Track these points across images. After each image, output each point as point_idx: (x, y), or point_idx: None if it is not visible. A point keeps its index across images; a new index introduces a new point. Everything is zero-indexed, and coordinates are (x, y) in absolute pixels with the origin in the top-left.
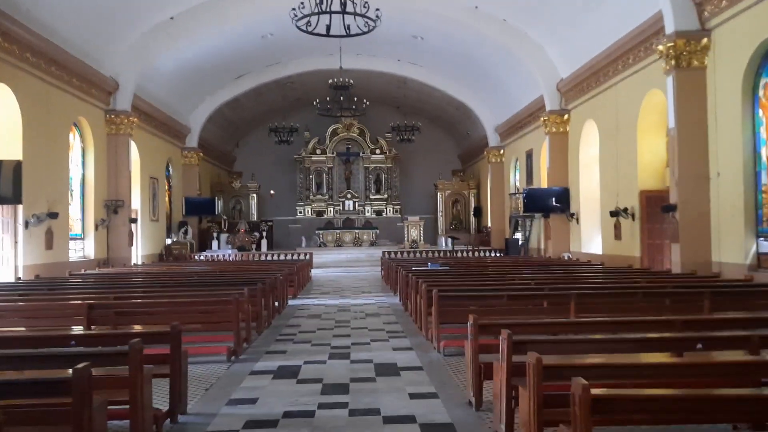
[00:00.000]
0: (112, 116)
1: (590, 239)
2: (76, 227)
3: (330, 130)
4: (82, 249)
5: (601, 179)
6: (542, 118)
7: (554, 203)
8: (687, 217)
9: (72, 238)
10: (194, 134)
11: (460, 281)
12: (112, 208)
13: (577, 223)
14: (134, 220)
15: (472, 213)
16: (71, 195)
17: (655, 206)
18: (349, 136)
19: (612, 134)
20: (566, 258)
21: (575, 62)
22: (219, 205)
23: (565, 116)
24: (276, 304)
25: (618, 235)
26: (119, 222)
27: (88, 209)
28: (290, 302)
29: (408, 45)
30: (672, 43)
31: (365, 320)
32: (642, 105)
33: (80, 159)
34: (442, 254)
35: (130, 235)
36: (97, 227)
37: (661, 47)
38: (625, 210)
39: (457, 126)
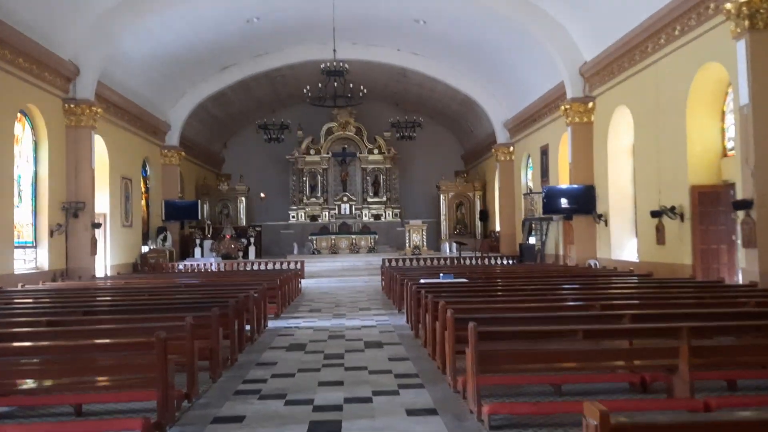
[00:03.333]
0: (72, 106)
1: (621, 244)
2: (26, 234)
3: (324, 128)
4: (34, 259)
5: (637, 174)
6: (563, 107)
7: (578, 203)
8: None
9: (20, 246)
10: (175, 131)
11: (492, 301)
12: (72, 212)
13: (606, 225)
14: (98, 225)
15: (477, 216)
16: (19, 196)
17: (710, 204)
18: (345, 135)
19: (651, 121)
20: (593, 265)
21: (602, 42)
22: (205, 209)
23: (590, 104)
24: (248, 328)
25: (661, 239)
26: (80, 227)
27: (41, 213)
28: (271, 324)
29: (409, 31)
30: None
31: (364, 354)
32: (693, 83)
33: (32, 154)
34: (448, 262)
35: (93, 242)
36: (52, 233)
37: (729, 5)
38: (672, 209)
39: (461, 123)
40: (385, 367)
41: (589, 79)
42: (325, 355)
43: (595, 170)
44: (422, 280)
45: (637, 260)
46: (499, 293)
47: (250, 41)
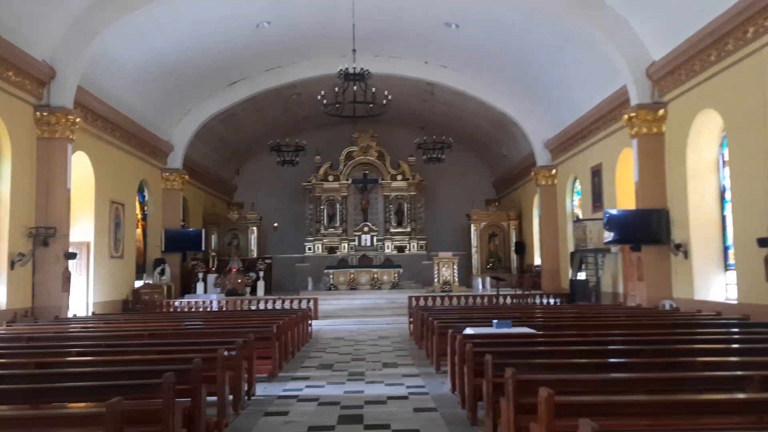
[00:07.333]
0: (45, 114)
1: (707, 281)
2: None
3: (344, 153)
4: None
5: (733, 193)
6: (626, 116)
7: (647, 231)
8: None
9: None
10: (178, 153)
11: (624, 384)
12: (41, 239)
13: (685, 258)
14: (72, 256)
15: (513, 249)
16: None
17: None
18: (367, 160)
19: (754, 125)
20: (668, 307)
21: (677, 35)
22: (212, 239)
23: (661, 111)
24: (230, 397)
25: None
26: (49, 258)
27: (0, 239)
28: (262, 390)
29: (438, 39)
30: None
31: None
32: None
33: None
34: (485, 300)
35: (66, 275)
36: (13, 265)
37: None
38: None
39: (493, 147)
40: None
41: (658, 82)
42: None
43: (668, 191)
44: (469, 330)
45: (736, 302)
46: (597, 353)
47: (261, 52)
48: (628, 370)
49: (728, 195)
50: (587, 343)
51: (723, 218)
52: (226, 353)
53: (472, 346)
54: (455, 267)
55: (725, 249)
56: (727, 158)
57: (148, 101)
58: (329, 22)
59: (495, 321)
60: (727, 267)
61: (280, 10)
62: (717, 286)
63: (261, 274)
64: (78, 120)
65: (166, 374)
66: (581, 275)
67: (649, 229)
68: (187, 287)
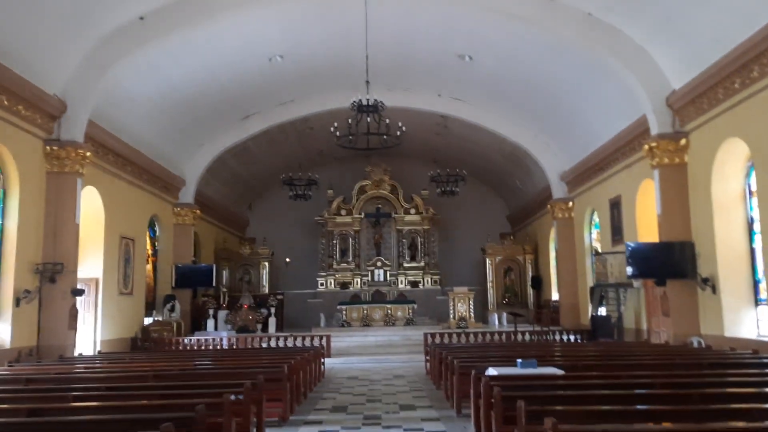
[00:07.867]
0: (55, 148)
1: (738, 317)
2: None
3: (357, 187)
4: None
5: (763, 225)
6: (647, 147)
7: (672, 265)
8: None
9: None
10: (190, 188)
11: None
12: (48, 275)
13: (714, 292)
14: (80, 292)
15: (529, 284)
16: None
17: None
18: (379, 194)
19: None
20: (696, 344)
21: (699, 63)
22: (224, 275)
23: (683, 141)
24: None
25: None
26: (56, 295)
27: (6, 275)
28: None
29: (452, 72)
30: None
31: None
32: None
33: None
34: (503, 337)
35: (73, 313)
36: (18, 302)
37: None
38: None
39: (507, 180)
40: None
41: (679, 111)
42: None
43: (693, 223)
44: (492, 370)
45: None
46: (660, 406)
47: (274, 85)
48: (677, 418)
49: (756, 226)
50: (622, 386)
51: (752, 251)
52: (233, 397)
53: (500, 390)
54: (471, 302)
55: (755, 283)
56: (754, 188)
57: (160, 135)
58: (342, 55)
59: (519, 360)
60: (758, 302)
61: (293, 44)
62: (748, 322)
63: (272, 310)
64: (88, 154)
65: (164, 425)
66: (602, 311)
67: (673, 263)
68: (197, 324)
